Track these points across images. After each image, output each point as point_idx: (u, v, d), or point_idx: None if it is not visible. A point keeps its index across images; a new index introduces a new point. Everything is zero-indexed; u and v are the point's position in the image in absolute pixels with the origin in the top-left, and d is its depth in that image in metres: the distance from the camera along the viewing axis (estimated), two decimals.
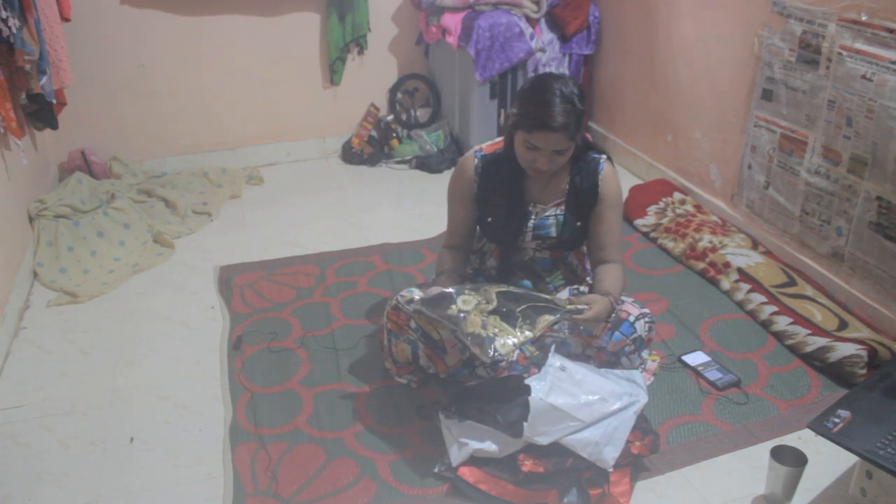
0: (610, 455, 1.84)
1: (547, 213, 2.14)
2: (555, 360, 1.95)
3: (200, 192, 3.70)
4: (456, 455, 1.90)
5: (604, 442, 1.84)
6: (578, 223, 2.13)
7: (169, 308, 2.76)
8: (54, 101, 3.15)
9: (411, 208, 3.60)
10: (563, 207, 2.13)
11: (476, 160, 2.14)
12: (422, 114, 4.32)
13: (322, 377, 2.33)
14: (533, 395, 1.83)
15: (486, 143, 2.21)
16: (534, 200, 2.13)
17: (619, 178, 2.14)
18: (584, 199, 2.11)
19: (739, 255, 2.82)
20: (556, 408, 1.82)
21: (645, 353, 2.28)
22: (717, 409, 2.16)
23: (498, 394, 1.94)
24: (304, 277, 2.92)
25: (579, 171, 2.10)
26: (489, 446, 1.88)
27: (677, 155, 3.56)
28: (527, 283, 2.19)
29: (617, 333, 2.05)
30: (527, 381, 1.88)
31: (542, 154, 1.95)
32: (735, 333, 2.51)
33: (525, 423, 1.82)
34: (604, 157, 2.13)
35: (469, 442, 1.90)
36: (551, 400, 1.83)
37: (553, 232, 2.14)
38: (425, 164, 4.03)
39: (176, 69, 3.80)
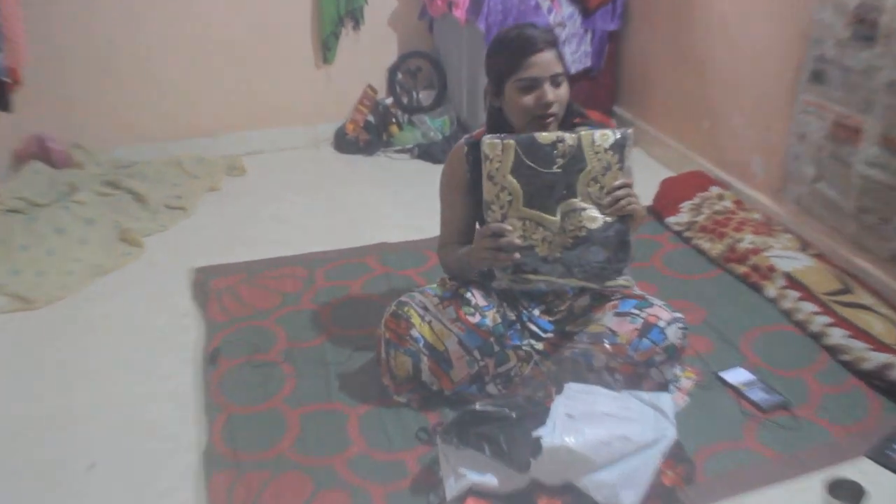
0: (628, 500, 1.81)
1: None
2: (560, 407, 1.91)
3: (174, 183, 3.68)
4: (452, 487, 1.87)
5: (621, 484, 1.81)
6: None
7: (136, 316, 2.75)
8: (7, 80, 3.13)
9: (413, 203, 3.58)
10: None
11: (465, 148, 2.19)
12: (425, 96, 4.30)
13: (310, 395, 2.30)
14: (543, 434, 1.81)
15: (475, 129, 2.26)
16: None
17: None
18: None
19: (786, 257, 2.79)
20: (571, 450, 1.79)
21: (678, 370, 2.25)
22: (762, 435, 2.13)
23: (506, 417, 1.91)
24: (290, 281, 2.90)
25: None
26: (489, 479, 1.86)
27: (715, 144, 3.54)
28: (541, 286, 2.16)
29: (645, 340, 2.03)
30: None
31: (541, 87, 2.00)
32: (782, 347, 2.47)
33: (533, 460, 1.79)
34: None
35: (467, 473, 1.87)
36: (565, 439, 1.81)
37: None
38: (429, 152, 4.01)
39: (148, 45, 3.79)
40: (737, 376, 2.33)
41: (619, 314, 2.08)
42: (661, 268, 2.94)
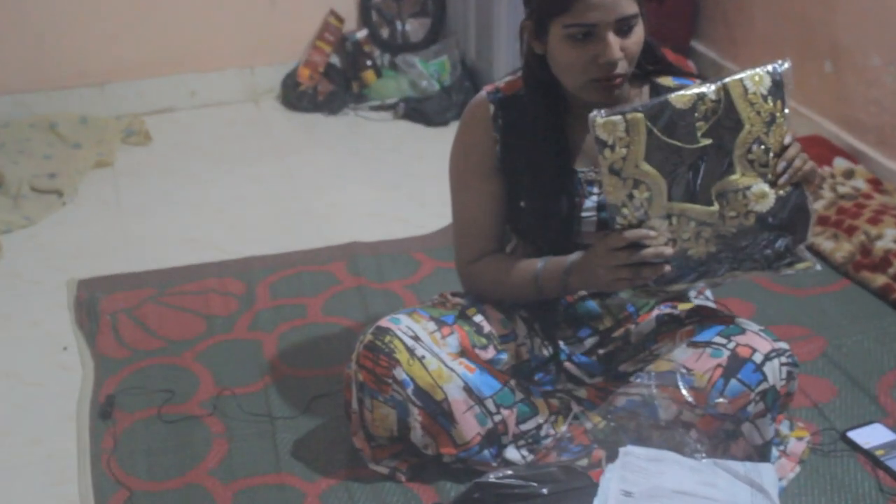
0: None
1: None
2: (613, 481, 1.94)
3: (45, 156, 3.71)
4: None
5: None
6: None
7: None
8: None
9: (396, 185, 3.61)
10: None
11: (492, 106, 2.17)
12: (414, 28, 4.32)
13: (248, 464, 2.32)
14: None
15: (504, 78, 2.22)
16: (595, 163, 2.15)
17: None
18: None
19: None
20: None
21: (784, 426, 2.28)
22: None
23: (535, 495, 1.94)
24: (218, 299, 2.93)
25: None
26: None
27: (841, 96, 3.56)
28: (590, 303, 2.20)
29: (734, 382, 2.03)
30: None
31: (602, 38, 1.96)
32: None
33: None
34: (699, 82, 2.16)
35: None
36: None
37: None
38: (420, 111, 4.04)
39: None
40: (872, 436, 2.33)
41: (694, 344, 2.10)
42: (760, 278, 2.94)
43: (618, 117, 1.93)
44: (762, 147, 1.97)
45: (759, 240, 1.99)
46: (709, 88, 1.96)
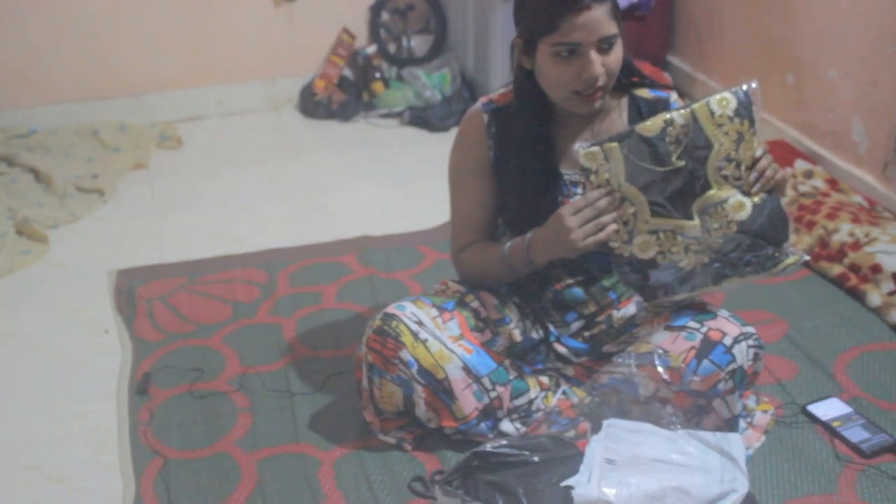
0: None
1: None
2: (597, 450, 1.94)
3: (88, 159, 3.70)
4: None
5: None
6: None
7: (39, 333, 2.77)
8: None
9: (403, 184, 3.60)
10: None
11: (486, 116, 2.19)
12: (419, 44, 4.31)
13: (270, 436, 2.33)
14: (576, 484, 1.83)
15: (497, 90, 2.24)
16: (575, 165, 2.15)
17: None
18: None
19: None
20: None
21: (751, 400, 2.28)
22: (864, 487, 2.14)
23: (527, 463, 1.94)
24: (243, 287, 2.93)
25: (640, 118, 2.13)
26: None
27: (801, 104, 3.56)
28: (576, 290, 2.20)
29: (706, 363, 2.04)
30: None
31: (586, 55, 1.97)
32: (889, 372, 2.49)
33: None
34: (673, 93, 2.19)
35: None
36: (604, 491, 1.83)
37: None
38: (423, 118, 4.03)
39: None
40: (829, 410, 2.34)
41: (670, 328, 2.10)
42: (758, 279, 2.93)
43: (596, 148, 1.98)
44: (733, 163, 1.98)
45: (745, 245, 2.00)
46: (678, 114, 1.98)
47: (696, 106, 1.98)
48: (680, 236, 2.01)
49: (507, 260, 2.15)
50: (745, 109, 1.98)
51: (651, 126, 1.97)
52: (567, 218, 1.99)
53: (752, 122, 1.98)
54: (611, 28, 1.98)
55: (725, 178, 1.99)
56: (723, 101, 1.98)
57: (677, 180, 1.99)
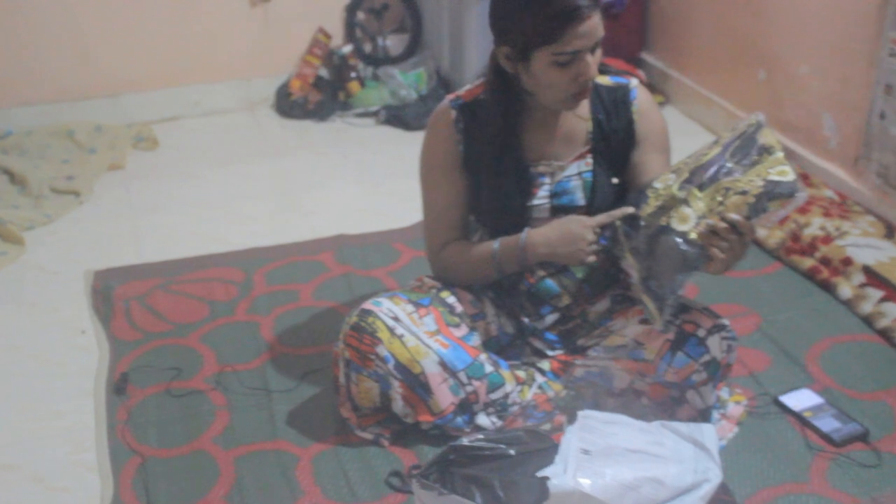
0: None
1: (567, 173, 2.19)
2: (573, 441, 1.95)
3: (63, 160, 3.70)
4: None
5: None
6: (614, 180, 2.19)
7: (16, 333, 2.76)
8: None
9: (379, 182, 3.61)
10: (588, 161, 2.19)
11: (454, 112, 2.21)
12: (394, 43, 4.32)
13: (248, 433, 2.33)
14: (551, 475, 1.85)
15: (463, 88, 2.26)
16: (544, 157, 2.18)
17: (659, 109, 2.22)
18: (616, 144, 2.19)
19: (866, 246, 2.83)
20: (587, 494, 1.83)
21: (725, 393, 2.30)
22: (834, 475, 2.16)
23: (503, 455, 1.95)
24: (220, 286, 2.93)
25: (602, 105, 2.17)
26: None
27: (774, 100, 3.58)
28: (549, 282, 2.22)
29: (680, 355, 2.07)
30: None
31: (582, 59, 2.00)
32: (860, 363, 2.52)
33: None
34: (633, 80, 2.22)
35: None
36: (579, 481, 1.84)
37: (580, 198, 2.19)
38: (399, 117, 4.04)
39: None
40: (801, 400, 2.36)
41: (644, 321, 2.13)
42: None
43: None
44: (731, 191, 1.91)
45: (658, 246, 1.98)
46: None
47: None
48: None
49: (496, 259, 2.18)
50: (775, 192, 1.91)
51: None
52: (588, 230, 2.04)
53: (767, 199, 1.90)
54: (602, 30, 2.01)
55: (725, 193, 1.92)
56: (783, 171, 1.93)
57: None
